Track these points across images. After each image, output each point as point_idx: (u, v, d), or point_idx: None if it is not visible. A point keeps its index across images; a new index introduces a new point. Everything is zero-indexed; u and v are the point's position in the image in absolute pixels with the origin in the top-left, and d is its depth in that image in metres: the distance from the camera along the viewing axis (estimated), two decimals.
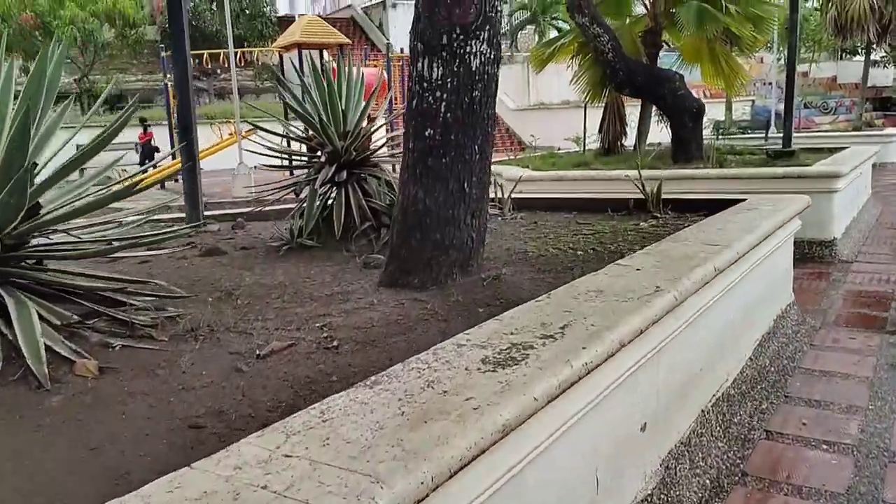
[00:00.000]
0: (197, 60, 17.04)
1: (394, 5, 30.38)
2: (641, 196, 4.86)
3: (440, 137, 2.70)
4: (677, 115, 9.05)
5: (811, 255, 6.45)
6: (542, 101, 23.82)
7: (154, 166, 15.87)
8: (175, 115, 16.43)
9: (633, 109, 10.76)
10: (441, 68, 2.64)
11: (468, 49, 2.64)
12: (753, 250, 3.30)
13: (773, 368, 3.57)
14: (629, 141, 10.71)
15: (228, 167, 18.80)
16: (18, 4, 21.69)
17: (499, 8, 2.71)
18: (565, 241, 3.86)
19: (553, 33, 23.26)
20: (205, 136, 15.76)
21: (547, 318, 1.96)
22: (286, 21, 26.17)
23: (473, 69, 2.67)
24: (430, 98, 2.68)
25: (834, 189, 6.48)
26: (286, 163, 5.05)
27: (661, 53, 10.40)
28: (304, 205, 3.93)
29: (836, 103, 25.87)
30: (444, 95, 2.66)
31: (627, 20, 10.97)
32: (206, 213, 5.20)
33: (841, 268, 6.12)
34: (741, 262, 3.06)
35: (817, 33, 20.93)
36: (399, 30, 30.17)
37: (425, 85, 2.68)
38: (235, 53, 20.31)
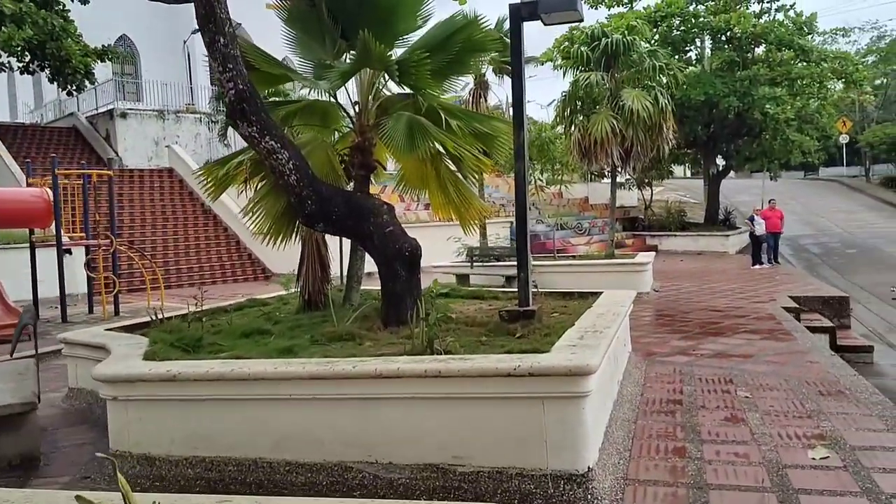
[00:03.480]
0: None
1: (123, 115, 26.48)
2: None
3: None
4: (387, 260, 6.58)
5: (555, 501, 3.99)
6: None
7: None
8: None
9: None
10: None
11: None
12: None
13: None
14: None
15: None
16: None
17: None
18: None
19: None
20: None
21: None
22: None
23: None
24: None
25: (584, 392, 4.16)
26: None
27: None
28: None
29: (590, 224, 26.16)
30: None
31: (337, 134, 8.64)
32: None
33: None
34: None
35: (564, 156, 20.72)
36: (129, 141, 26.29)
37: None
38: None
